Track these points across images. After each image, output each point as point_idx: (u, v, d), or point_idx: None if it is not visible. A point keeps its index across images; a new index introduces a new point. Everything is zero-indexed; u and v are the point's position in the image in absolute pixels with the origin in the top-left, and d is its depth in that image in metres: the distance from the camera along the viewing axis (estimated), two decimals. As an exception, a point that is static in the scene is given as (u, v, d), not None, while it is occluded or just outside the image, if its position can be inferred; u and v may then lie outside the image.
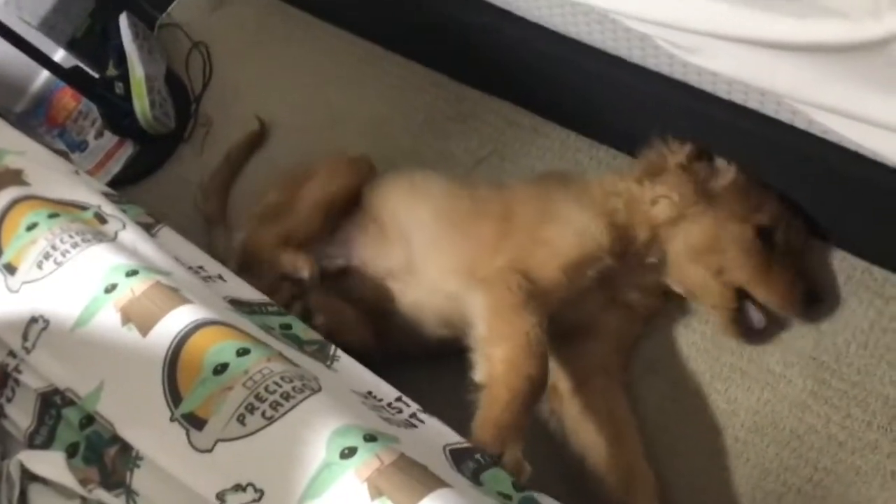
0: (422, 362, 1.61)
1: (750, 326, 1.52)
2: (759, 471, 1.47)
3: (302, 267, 1.58)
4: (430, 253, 1.59)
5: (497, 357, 1.36)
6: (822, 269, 1.55)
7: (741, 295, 1.50)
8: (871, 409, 1.45)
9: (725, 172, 1.52)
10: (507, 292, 1.42)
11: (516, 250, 1.50)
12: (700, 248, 1.50)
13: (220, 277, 1.45)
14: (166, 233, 1.53)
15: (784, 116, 1.31)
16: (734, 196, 1.51)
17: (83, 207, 1.45)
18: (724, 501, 1.47)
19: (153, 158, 2.17)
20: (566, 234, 1.50)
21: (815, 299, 1.50)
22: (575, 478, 1.51)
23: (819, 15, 1.07)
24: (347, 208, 1.73)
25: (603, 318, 1.57)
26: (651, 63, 1.41)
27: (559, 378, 1.55)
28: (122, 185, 2.12)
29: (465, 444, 1.19)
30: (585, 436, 1.51)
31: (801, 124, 1.29)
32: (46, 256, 1.32)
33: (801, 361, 1.51)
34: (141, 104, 2.09)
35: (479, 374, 1.37)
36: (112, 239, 1.38)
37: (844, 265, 1.55)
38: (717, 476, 1.49)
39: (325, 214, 1.70)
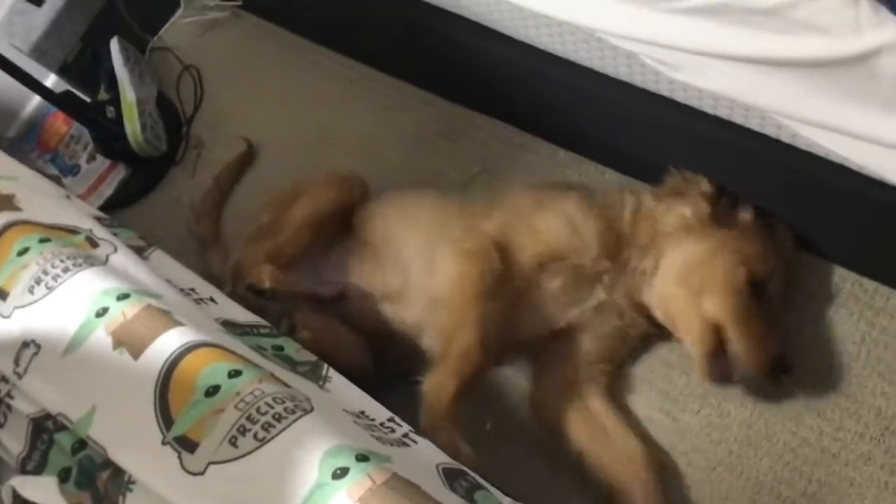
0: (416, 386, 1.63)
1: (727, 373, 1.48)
2: (754, 484, 1.47)
3: (265, 278, 1.56)
4: (427, 277, 1.59)
5: (455, 346, 1.45)
6: (813, 284, 1.56)
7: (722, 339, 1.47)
8: (864, 420, 1.46)
9: (744, 213, 1.51)
10: (478, 271, 1.48)
11: (504, 223, 1.54)
12: (691, 265, 1.48)
13: (212, 299, 1.45)
14: (158, 255, 1.54)
15: (769, 131, 1.32)
16: (743, 237, 1.49)
17: (75, 231, 1.46)
18: (719, 516, 1.47)
19: (145, 181, 2.17)
20: (555, 225, 1.52)
21: (785, 368, 1.46)
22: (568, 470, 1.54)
23: (801, 31, 1.09)
24: (339, 226, 1.73)
25: (596, 323, 1.57)
26: (638, 80, 1.42)
27: (547, 380, 1.58)
28: (115, 208, 2.13)
29: (458, 465, 1.19)
30: (577, 437, 1.53)
31: (786, 138, 1.30)
32: (38, 281, 1.32)
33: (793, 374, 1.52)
34: (132, 127, 2.09)
35: (432, 348, 1.49)
36: (103, 262, 1.38)
37: (834, 277, 1.55)
38: (711, 490, 1.49)
39: (313, 230, 1.70)
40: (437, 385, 1.43)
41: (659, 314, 1.53)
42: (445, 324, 1.48)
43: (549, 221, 1.53)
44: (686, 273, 1.49)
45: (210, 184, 2.03)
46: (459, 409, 1.43)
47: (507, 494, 1.26)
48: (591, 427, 1.53)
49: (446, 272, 1.51)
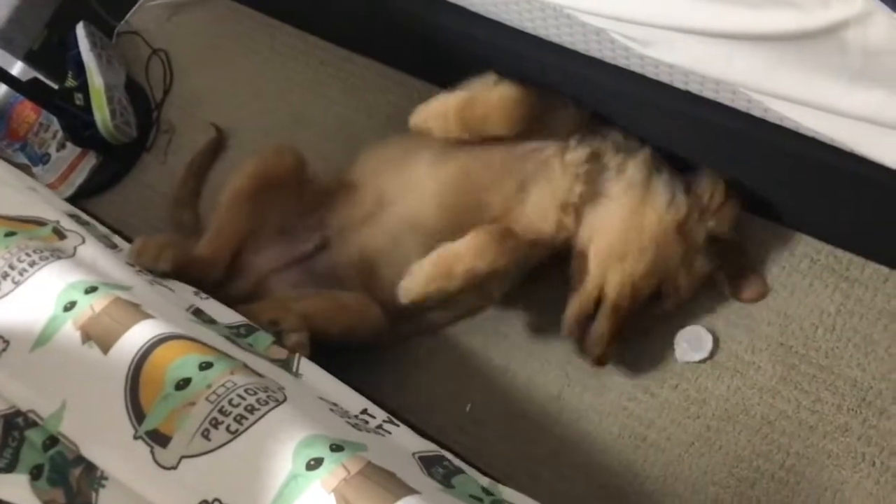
0: (403, 368, 1.65)
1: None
2: (732, 458, 1.48)
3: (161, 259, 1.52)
4: (400, 178, 1.61)
5: None
6: (787, 256, 1.56)
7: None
8: (841, 392, 1.46)
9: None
10: None
11: None
12: (631, 230, 1.50)
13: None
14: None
15: (740, 105, 1.31)
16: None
17: (41, 223, 1.43)
18: (698, 489, 1.47)
19: (117, 168, 2.14)
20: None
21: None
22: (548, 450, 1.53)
23: (769, 5, 1.08)
24: (285, 194, 1.71)
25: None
26: (608, 56, 1.41)
27: None
28: (87, 197, 2.10)
29: (435, 452, 1.19)
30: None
31: (757, 112, 1.30)
32: (4, 276, 1.30)
33: (769, 347, 1.52)
34: (101, 114, 2.06)
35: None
36: (71, 255, 1.36)
37: (808, 249, 1.55)
38: (689, 464, 1.49)
39: (247, 204, 1.69)
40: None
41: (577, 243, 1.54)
42: None
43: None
44: (623, 236, 1.49)
45: (183, 171, 2.00)
46: None
47: (486, 475, 1.26)
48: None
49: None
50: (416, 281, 1.46)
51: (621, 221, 1.50)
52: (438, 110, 1.55)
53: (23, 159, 2.20)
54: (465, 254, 1.45)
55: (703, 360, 1.54)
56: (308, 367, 1.30)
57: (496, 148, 1.55)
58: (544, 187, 1.53)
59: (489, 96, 1.53)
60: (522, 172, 1.54)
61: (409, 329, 1.67)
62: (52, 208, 1.49)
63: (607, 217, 1.51)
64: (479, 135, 1.54)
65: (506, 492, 1.23)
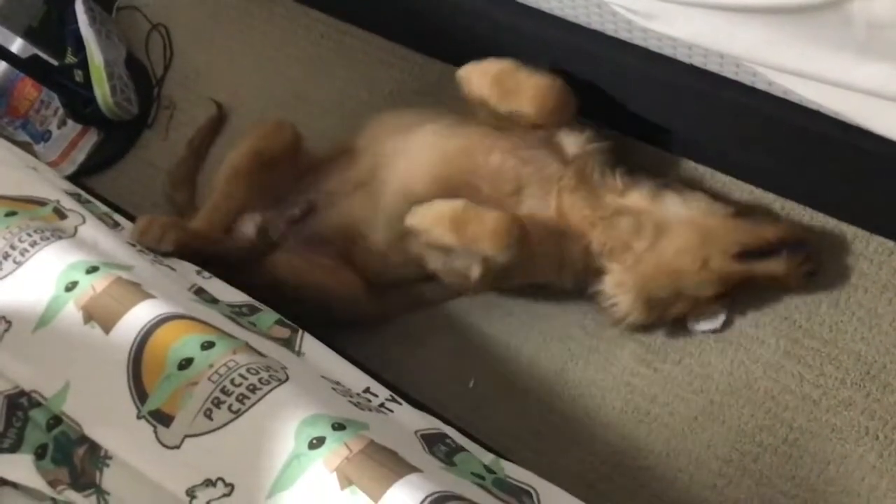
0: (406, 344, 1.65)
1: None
2: (735, 432, 1.48)
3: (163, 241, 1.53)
4: (399, 145, 1.60)
5: None
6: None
7: None
8: (844, 366, 1.46)
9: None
10: None
11: None
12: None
13: (187, 265, 1.44)
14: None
15: (744, 78, 1.30)
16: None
17: (42, 203, 1.43)
18: (701, 464, 1.48)
19: (118, 145, 2.13)
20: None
21: None
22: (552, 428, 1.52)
23: (773, -23, 1.06)
24: (281, 168, 1.71)
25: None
26: (610, 29, 1.39)
27: None
28: (88, 174, 2.10)
29: (437, 430, 1.19)
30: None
31: (761, 85, 1.28)
32: (6, 256, 1.30)
33: (773, 322, 1.51)
34: (102, 91, 2.05)
35: None
36: (72, 235, 1.36)
37: (813, 223, 1.54)
38: (693, 439, 1.50)
39: (245, 179, 1.69)
40: None
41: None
42: None
43: None
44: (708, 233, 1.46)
45: (183, 148, 1.99)
46: None
47: (489, 449, 1.27)
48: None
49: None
50: (430, 212, 1.44)
51: (697, 231, 1.46)
52: (483, 69, 1.53)
53: (24, 137, 2.19)
54: (484, 224, 1.42)
55: (715, 331, 1.53)
56: (310, 346, 1.31)
57: (504, 139, 1.52)
58: (542, 203, 1.50)
59: (529, 77, 1.51)
60: (520, 177, 1.50)
61: (397, 304, 1.68)
62: (53, 187, 1.48)
63: (679, 242, 1.46)
64: (508, 107, 1.51)
65: (508, 467, 1.23)
